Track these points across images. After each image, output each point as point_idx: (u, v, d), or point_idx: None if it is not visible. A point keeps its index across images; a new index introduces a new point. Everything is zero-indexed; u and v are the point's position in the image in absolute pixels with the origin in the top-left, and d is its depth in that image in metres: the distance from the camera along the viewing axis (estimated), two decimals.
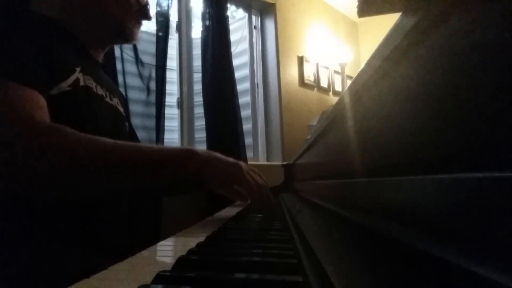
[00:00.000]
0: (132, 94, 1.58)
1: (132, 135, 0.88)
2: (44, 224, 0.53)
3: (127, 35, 0.72)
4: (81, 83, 0.61)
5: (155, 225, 1.31)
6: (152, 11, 1.66)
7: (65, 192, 0.50)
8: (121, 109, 0.77)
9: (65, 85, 0.58)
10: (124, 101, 0.87)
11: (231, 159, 0.57)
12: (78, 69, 0.61)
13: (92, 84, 0.65)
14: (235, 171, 0.55)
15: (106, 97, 0.70)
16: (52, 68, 0.56)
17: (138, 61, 1.61)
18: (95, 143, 0.49)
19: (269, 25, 2.46)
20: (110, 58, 1.38)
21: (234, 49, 2.08)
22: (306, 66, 2.63)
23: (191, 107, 1.93)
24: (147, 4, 0.74)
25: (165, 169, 0.52)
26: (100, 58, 0.75)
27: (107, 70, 0.89)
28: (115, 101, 0.74)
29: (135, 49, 1.61)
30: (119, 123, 0.74)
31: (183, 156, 0.54)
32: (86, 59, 0.68)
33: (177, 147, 0.54)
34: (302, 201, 0.76)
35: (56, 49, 0.59)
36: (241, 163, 0.58)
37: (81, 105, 0.61)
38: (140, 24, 0.75)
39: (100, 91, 0.68)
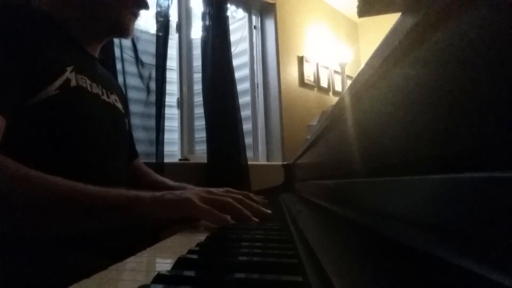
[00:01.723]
0: (132, 94, 1.58)
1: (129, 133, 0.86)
2: None
3: (122, 29, 0.69)
4: (73, 83, 0.58)
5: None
6: (152, 11, 1.67)
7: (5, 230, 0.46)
8: (119, 105, 0.74)
9: (53, 88, 0.54)
10: (123, 96, 0.84)
11: (183, 195, 0.53)
12: (69, 68, 0.59)
13: (86, 83, 0.62)
14: (189, 208, 0.52)
15: (103, 95, 0.68)
16: (34, 73, 0.53)
17: (138, 61, 1.62)
18: (33, 179, 0.46)
19: (269, 25, 2.46)
20: (109, 56, 1.38)
21: (234, 49, 2.09)
22: (306, 66, 2.63)
23: (191, 107, 1.93)
24: None
25: (106, 216, 0.50)
26: (96, 52, 0.73)
27: (105, 67, 0.87)
28: (113, 98, 0.72)
29: (135, 49, 1.61)
30: (118, 121, 0.72)
31: (125, 202, 0.51)
32: (80, 55, 0.66)
33: (123, 194, 0.49)
34: (302, 201, 0.76)
35: (41, 49, 0.55)
36: (193, 195, 0.54)
37: (72, 108, 0.58)
38: (136, 16, 0.71)
39: (95, 89, 0.65)
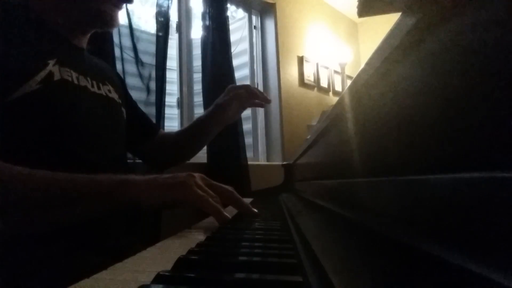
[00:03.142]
0: (132, 94, 1.57)
1: (141, 116, 0.87)
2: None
3: (105, 20, 0.66)
4: (56, 77, 0.56)
5: (155, 225, 1.31)
6: (152, 11, 1.67)
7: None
8: (114, 95, 0.72)
9: (34, 83, 0.52)
10: (121, 85, 0.82)
11: (178, 178, 0.52)
12: (52, 61, 0.57)
13: (72, 76, 0.60)
14: (183, 192, 0.50)
15: (93, 87, 0.65)
16: (13, 68, 0.51)
17: (138, 61, 1.61)
18: (12, 173, 0.44)
19: (269, 25, 2.46)
20: (109, 56, 1.37)
21: (234, 49, 2.08)
22: (306, 66, 2.63)
23: (191, 107, 1.93)
24: None
25: (93, 201, 0.49)
26: (83, 43, 0.70)
27: (103, 56, 0.85)
28: (105, 89, 0.70)
29: (135, 49, 1.61)
30: (111, 113, 0.70)
31: (116, 188, 0.50)
32: (64, 47, 0.63)
33: (110, 178, 0.51)
34: (302, 201, 0.76)
35: (19, 44, 0.54)
36: (189, 178, 0.53)
37: (56, 103, 0.56)
38: (119, 8, 0.68)
39: (83, 81, 0.63)
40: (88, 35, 0.71)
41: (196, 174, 0.56)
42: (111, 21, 0.67)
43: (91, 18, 0.66)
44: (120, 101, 0.75)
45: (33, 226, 0.47)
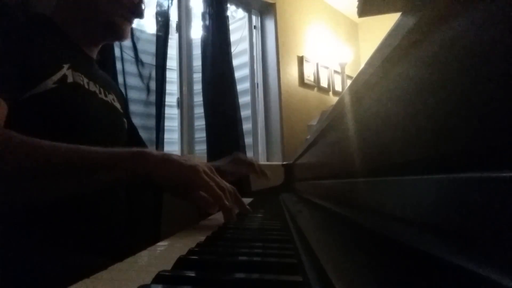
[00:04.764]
0: (132, 94, 1.58)
1: (132, 131, 0.87)
2: (44, 224, 0.53)
3: (117, 32, 0.72)
4: (69, 79, 0.60)
5: (155, 225, 1.30)
6: (152, 11, 1.67)
7: (10, 198, 0.47)
8: (118, 105, 0.76)
9: (50, 82, 0.57)
10: (122, 97, 0.86)
11: (189, 161, 0.54)
12: (66, 65, 0.61)
13: (83, 81, 0.64)
14: (192, 175, 0.52)
15: (100, 93, 0.69)
16: (33, 67, 0.55)
17: (138, 61, 1.61)
18: (38, 145, 0.46)
19: (269, 25, 2.46)
20: (109, 56, 1.38)
21: (234, 49, 2.08)
22: (306, 66, 2.63)
23: (191, 107, 1.93)
24: (140, 2, 0.73)
25: (111, 171, 0.50)
26: (94, 54, 0.75)
27: (105, 67, 0.88)
28: (111, 98, 0.73)
29: (135, 49, 1.61)
30: (115, 120, 0.74)
31: (133, 157, 0.51)
32: (77, 55, 0.68)
33: (127, 149, 0.52)
34: (302, 201, 0.76)
35: (39, 47, 0.58)
36: (199, 164, 0.54)
37: (68, 102, 0.60)
38: (130, 22, 0.74)
39: (92, 87, 0.67)
40: (100, 46, 0.77)
41: (206, 164, 0.58)
42: (123, 33, 0.72)
43: (104, 31, 0.72)
44: (122, 112, 0.79)
45: (38, 195, 0.48)
